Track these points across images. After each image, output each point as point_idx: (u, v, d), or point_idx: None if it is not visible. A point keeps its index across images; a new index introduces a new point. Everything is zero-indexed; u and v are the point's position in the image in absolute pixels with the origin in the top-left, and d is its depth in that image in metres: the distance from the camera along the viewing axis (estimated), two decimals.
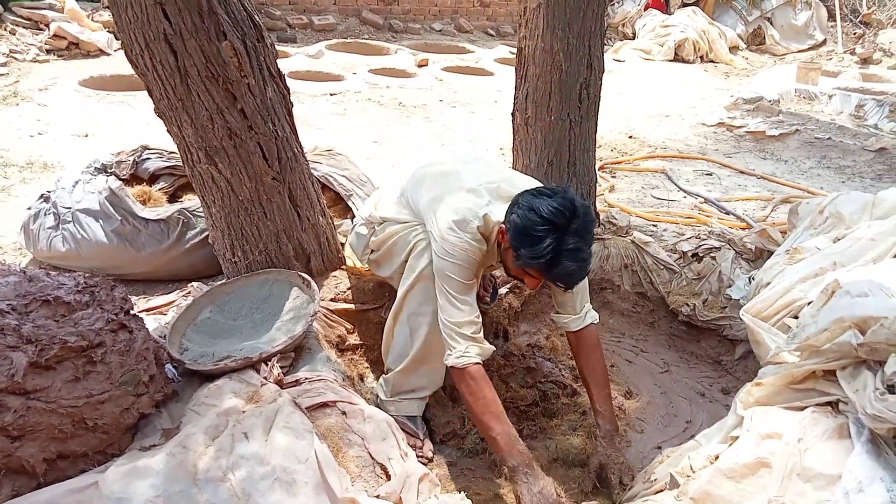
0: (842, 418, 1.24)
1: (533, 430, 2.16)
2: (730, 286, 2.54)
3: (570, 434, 2.13)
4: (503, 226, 1.76)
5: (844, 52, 9.73)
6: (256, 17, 2.03)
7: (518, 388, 2.31)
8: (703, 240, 2.81)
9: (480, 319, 1.85)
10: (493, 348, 1.91)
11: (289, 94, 2.20)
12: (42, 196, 2.77)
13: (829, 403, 1.30)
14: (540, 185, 1.87)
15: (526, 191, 1.77)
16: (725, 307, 2.52)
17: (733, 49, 9.71)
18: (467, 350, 1.80)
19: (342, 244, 2.66)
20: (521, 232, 1.67)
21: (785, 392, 1.38)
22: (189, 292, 2.41)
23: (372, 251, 2.12)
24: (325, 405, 1.80)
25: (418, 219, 1.97)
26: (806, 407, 1.31)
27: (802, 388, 1.36)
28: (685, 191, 4.18)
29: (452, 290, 1.80)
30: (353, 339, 2.36)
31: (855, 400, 1.20)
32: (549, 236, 1.63)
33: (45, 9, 6.35)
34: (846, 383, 1.23)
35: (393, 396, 2.06)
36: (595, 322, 2.03)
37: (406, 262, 1.97)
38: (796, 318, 1.88)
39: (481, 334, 1.84)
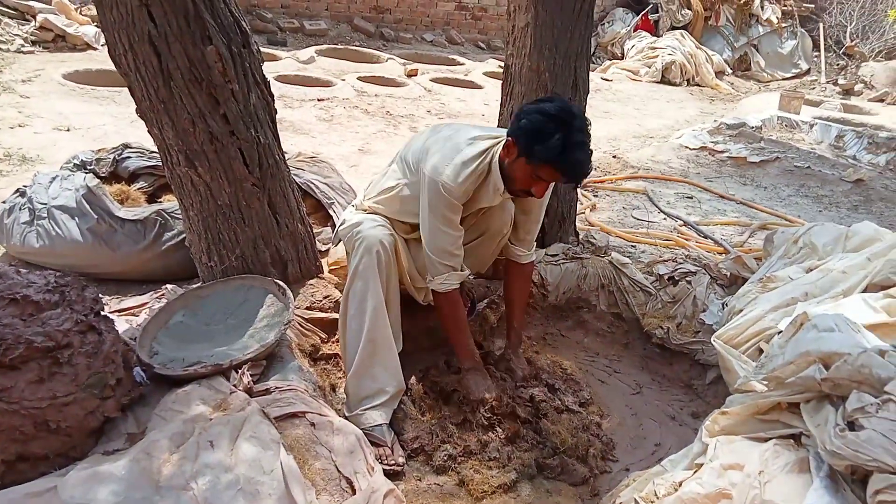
0: (803, 452, 1.25)
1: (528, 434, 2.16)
2: (704, 311, 2.56)
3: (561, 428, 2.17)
4: (509, 138, 1.93)
5: (827, 82, 9.92)
6: (243, 22, 2.02)
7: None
8: (680, 264, 2.83)
9: (462, 252, 2.11)
10: (468, 272, 2.23)
11: (273, 101, 2.19)
12: (18, 191, 2.73)
13: (792, 436, 1.32)
14: None
15: (527, 102, 2.03)
16: (699, 332, 2.54)
17: (719, 74, 9.87)
18: (448, 278, 2.08)
19: (321, 251, 2.66)
20: (531, 132, 1.87)
21: (750, 422, 1.40)
22: (163, 294, 2.38)
23: (339, 240, 2.28)
24: (293, 416, 1.79)
25: (406, 177, 2.13)
26: (770, 438, 1.32)
27: (767, 420, 1.38)
28: (665, 213, 4.22)
29: (439, 223, 2.01)
30: (327, 349, 2.35)
31: (816, 434, 1.21)
32: (558, 132, 1.83)
33: (32, 0, 6.29)
34: (809, 417, 1.25)
35: (355, 409, 2.06)
36: (535, 260, 2.45)
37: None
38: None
39: (460, 262, 2.12)
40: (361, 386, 2.07)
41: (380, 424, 2.03)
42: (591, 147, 1.89)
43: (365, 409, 2.05)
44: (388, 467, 1.91)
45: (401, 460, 2.00)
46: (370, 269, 2.03)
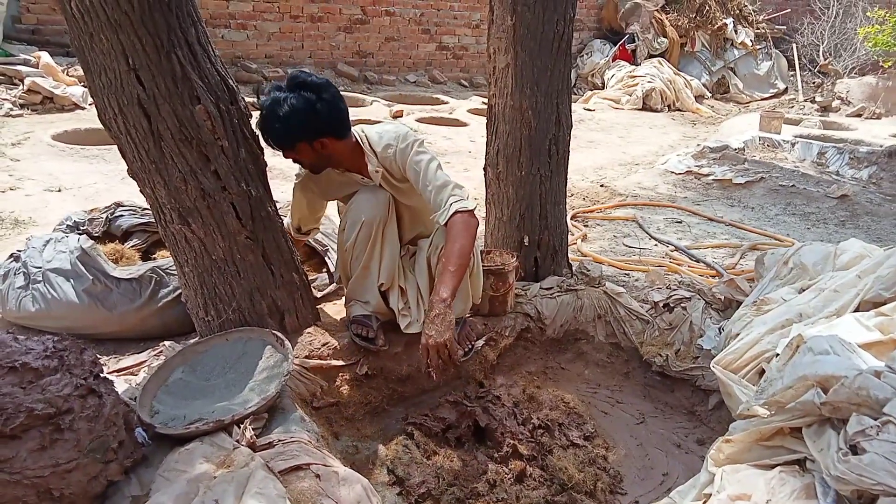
0: (808, 477, 1.25)
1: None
2: (701, 336, 2.57)
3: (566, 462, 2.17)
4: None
5: (805, 100, 10.11)
6: (230, 80, 2.06)
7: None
8: (674, 290, 2.85)
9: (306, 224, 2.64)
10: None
11: (262, 154, 2.22)
12: (12, 255, 2.74)
13: (797, 461, 1.32)
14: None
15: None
16: (697, 357, 2.54)
17: (699, 98, 10.05)
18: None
19: (317, 299, 2.68)
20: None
21: (754, 449, 1.40)
22: (161, 352, 2.38)
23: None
24: (298, 468, 1.78)
25: None
26: (775, 465, 1.33)
27: (771, 446, 1.38)
28: (656, 239, 4.26)
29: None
30: (328, 397, 2.34)
31: (820, 459, 1.22)
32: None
33: (19, 64, 6.37)
34: (811, 442, 1.26)
35: (349, 302, 2.47)
36: (462, 210, 2.13)
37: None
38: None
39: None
40: (356, 289, 2.44)
41: (367, 314, 2.42)
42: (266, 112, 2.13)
43: (356, 302, 2.45)
44: (372, 346, 2.36)
45: (381, 343, 2.38)
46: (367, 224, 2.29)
